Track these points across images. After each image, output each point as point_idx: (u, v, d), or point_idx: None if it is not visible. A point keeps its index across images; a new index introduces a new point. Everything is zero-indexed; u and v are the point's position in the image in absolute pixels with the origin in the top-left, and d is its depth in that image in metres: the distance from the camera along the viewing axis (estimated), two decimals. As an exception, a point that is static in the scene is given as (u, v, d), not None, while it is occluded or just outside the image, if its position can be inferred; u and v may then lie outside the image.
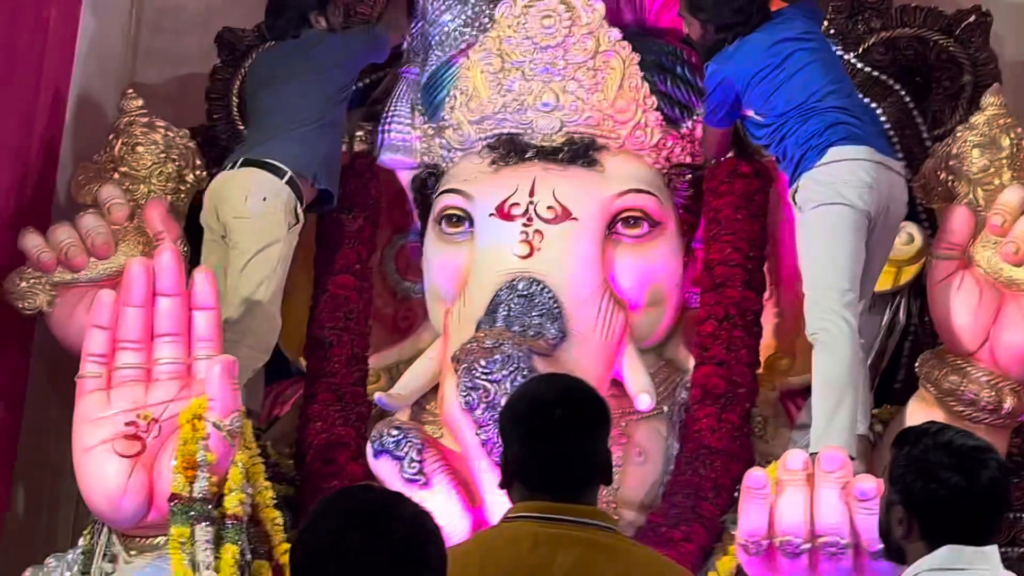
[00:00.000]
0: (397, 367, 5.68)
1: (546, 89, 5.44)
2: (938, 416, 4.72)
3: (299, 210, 5.43)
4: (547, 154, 5.40)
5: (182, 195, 5.71)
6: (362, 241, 5.70)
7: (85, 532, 4.74)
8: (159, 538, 4.51)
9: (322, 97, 5.60)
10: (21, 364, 5.82)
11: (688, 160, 5.54)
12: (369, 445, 4.95)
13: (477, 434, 4.71)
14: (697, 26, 5.35)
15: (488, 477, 4.70)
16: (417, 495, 4.50)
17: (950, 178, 5.17)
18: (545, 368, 4.74)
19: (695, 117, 5.52)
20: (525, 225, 5.22)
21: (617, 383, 5.19)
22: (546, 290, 5.08)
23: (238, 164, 5.45)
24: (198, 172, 5.75)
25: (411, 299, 5.96)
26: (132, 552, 4.58)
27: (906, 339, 5.54)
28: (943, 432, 3.34)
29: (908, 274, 5.41)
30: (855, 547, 4.25)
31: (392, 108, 5.79)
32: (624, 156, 5.43)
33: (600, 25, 5.47)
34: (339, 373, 5.46)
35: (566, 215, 5.24)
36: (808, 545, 4.27)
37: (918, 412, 4.95)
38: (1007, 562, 3.38)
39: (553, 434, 3.28)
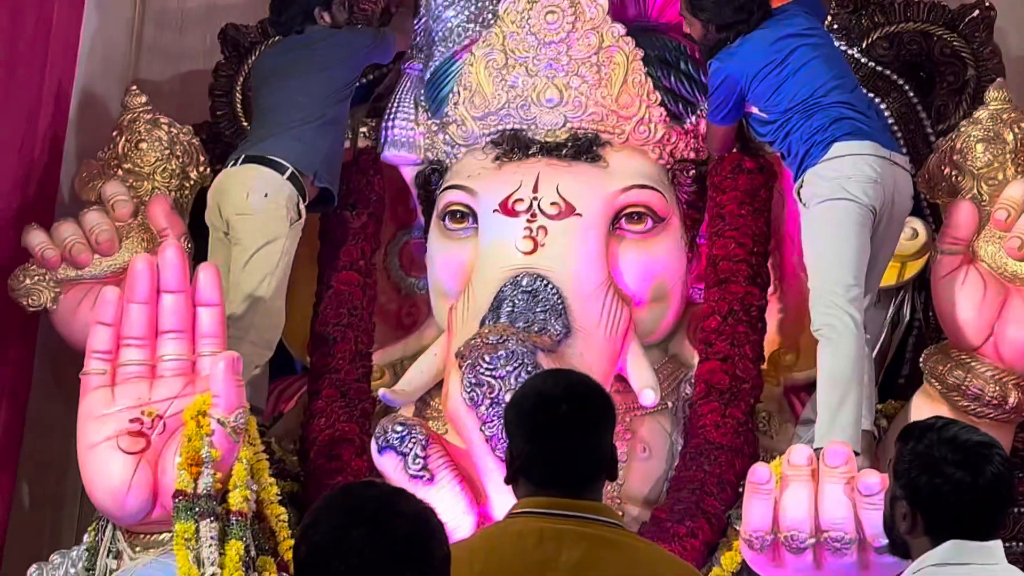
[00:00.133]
0: (401, 363, 5.69)
1: (550, 85, 5.44)
2: (942, 411, 4.73)
3: (301, 206, 5.43)
4: (551, 150, 5.40)
5: (186, 192, 5.71)
6: (366, 237, 5.70)
7: (90, 529, 4.74)
8: (164, 534, 4.52)
9: (325, 95, 5.60)
10: (25, 361, 5.82)
11: (692, 155, 5.54)
12: (373, 441, 4.95)
13: (481, 430, 4.71)
14: (699, 26, 5.35)
15: (493, 473, 4.70)
16: (421, 491, 4.52)
17: (954, 173, 5.17)
18: (549, 364, 4.74)
19: (699, 112, 5.52)
20: (529, 221, 5.22)
21: (621, 379, 5.20)
22: (550, 286, 5.08)
23: (240, 161, 5.45)
24: (202, 169, 5.75)
25: (415, 295, 5.97)
26: (137, 548, 4.59)
27: (910, 334, 5.55)
28: (948, 427, 3.34)
29: (912, 269, 5.41)
30: (859, 542, 4.25)
31: (396, 104, 5.79)
32: (628, 152, 5.43)
33: (604, 21, 5.46)
34: (343, 369, 5.46)
35: (570, 211, 5.24)
36: (813, 540, 4.28)
37: (922, 407, 4.95)
38: (1011, 557, 3.39)
39: (558, 429, 3.28)
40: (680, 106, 5.51)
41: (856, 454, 4.46)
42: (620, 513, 4.54)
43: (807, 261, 4.92)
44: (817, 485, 4.33)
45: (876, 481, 4.20)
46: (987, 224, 5.01)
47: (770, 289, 5.46)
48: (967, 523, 3.26)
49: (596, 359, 5.02)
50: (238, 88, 6.18)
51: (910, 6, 5.72)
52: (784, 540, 4.30)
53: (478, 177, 5.43)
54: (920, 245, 5.37)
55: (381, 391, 5.36)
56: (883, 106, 5.56)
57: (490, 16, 5.61)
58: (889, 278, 5.28)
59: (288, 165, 5.38)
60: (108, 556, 4.63)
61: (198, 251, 5.52)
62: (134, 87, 5.84)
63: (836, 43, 5.45)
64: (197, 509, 4.36)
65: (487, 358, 4.72)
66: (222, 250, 5.44)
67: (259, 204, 5.34)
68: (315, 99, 5.57)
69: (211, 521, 4.35)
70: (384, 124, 5.78)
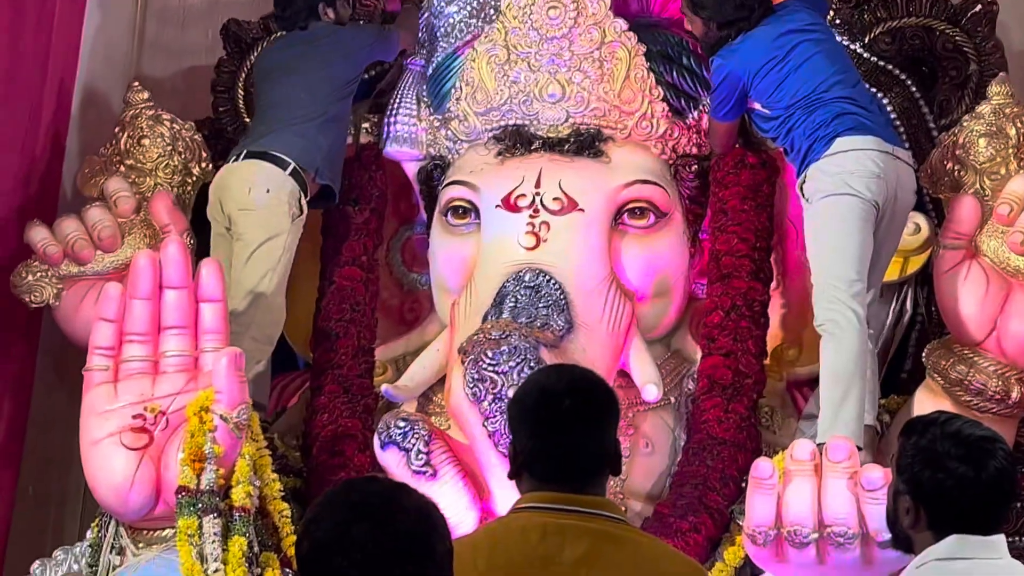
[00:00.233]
0: (404, 359, 5.69)
1: (552, 80, 5.43)
2: (945, 406, 4.71)
3: (303, 201, 5.43)
4: (553, 145, 5.40)
5: (188, 188, 5.72)
6: (368, 233, 5.71)
7: (93, 525, 4.76)
8: (167, 530, 4.52)
9: (327, 92, 5.60)
10: (28, 357, 5.82)
11: (694, 151, 5.54)
12: (376, 437, 4.95)
13: (484, 425, 4.71)
14: (700, 24, 5.35)
15: (495, 469, 4.70)
16: (424, 487, 4.51)
17: (957, 168, 5.17)
18: (552, 359, 4.74)
19: (701, 107, 5.52)
20: (531, 216, 5.22)
21: (624, 374, 5.20)
22: (552, 281, 5.08)
23: (242, 156, 5.45)
24: (204, 165, 5.75)
25: (417, 291, 5.97)
26: (140, 545, 4.59)
27: (913, 329, 5.56)
28: (951, 422, 3.34)
29: (915, 264, 5.42)
30: (862, 537, 4.25)
31: (398, 100, 5.79)
32: (630, 147, 5.43)
33: (606, 16, 5.46)
34: (346, 365, 5.47)
35: (572, 206, 5.24)
36: (816, 535, 4.28)
37: (925, 402, 4.95)
38: (1014, 551, 3.38)
39: (562, 424, 3.28)
40: (682, 101, 5.51)
41: (859, 449, 4.46)
42: (623, 508, 4.53)
43: (810, 256, 4.92)
44: (820, 480, 4.33)
45: (879, 476, 4.21)
46: (989, 219, 5.01)
47: (773, 284, 5.46)
48: (970, 518, 3.26)
49: (599, 354, 5.02)
50: (240, 84, 6.19)
51: (912, 1, 5.72)
52: (787, 535, 4.30)
53: (480, 173, 5.43)
54: (923, 240, 5.38)
55: (384, 387, 5.36)
56: (885, 101, 5.56)
57: (492, 11, 5.61)
58: (892, 273, 5.28)
59: (290, 160, 5.38)
60: (111, 552, 4.64)
61: (200, 247, 5.52)
62: (136, 83, 5.84)
63: (838, 38, 5.45)
64: (200, 505, 4.36)
65: (490, 353, 4.72)
66: (224, 246, 5.44)
67: (261, 199, 5.34)
68: (317, 97, 5.57)
69: (214, 517, 4.35)
70: (386, 120, 5.78)
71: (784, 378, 5.53)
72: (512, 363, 4.70)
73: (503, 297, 5.07)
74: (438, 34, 5.74)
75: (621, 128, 5.44)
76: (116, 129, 5.74)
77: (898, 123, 5.52)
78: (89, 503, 5.28)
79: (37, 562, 4.96)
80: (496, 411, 4.66)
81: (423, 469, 4.82)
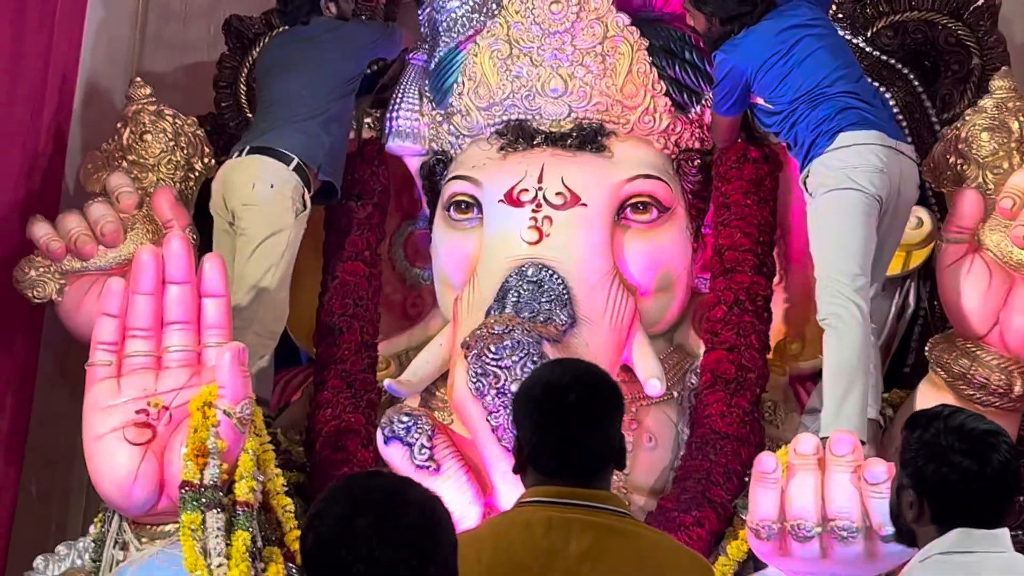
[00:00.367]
0: (406, 354, 5.68)
1: (554, 75, 5.43)
2: (948, 400, 4.72)
3: (306, 197, 5.43)
4: (556, 140, 5.40)
5: (191, 183, 5.72)
6: (371, 228, 5.71)
7: (96, 520, 4.75)
8: (170, 525, 4.52)
9: (328, 90, 5.60)
10: (31, 353, 5.82)
11: (697, 145, 5.54)
12: (379, 432, 4.95)
13: (487, 420, 4.71)
14: (702, 19, 5.35)
15: (498, 463, 4.71)
16: (427, 482, 4.48)
17: (959, 162, 5.17)
18: (555, 354, 4.74)
19: (704, 102, 5.51)
20: (534, 211, 5.22)
21: (627, 369, 5.19)
22: (555, 276, 5.08)
23: (244, 152, 5.45)
24: (207, 160, 5.75)
25: (420, 286, 5.97)
26: (143, 539, 4.59)
27: (916, 323, 5.55)
28: (954, 416, 3.34)
29: (918, 258, 5.41)
30: (866, 531, 4.26)
31: (400, 95, 5.79)
32: (633, 142, 5.43)
33: (608, 11, 5.46)
34: (349, 360, 5.46)
35: (575, 201, 5.24)
36: (819, 529, 4.29)
37: (928, 396, 4.95)
38: (1017, 544, 3.38)
39: (567, 419, 3.28)
40: (685, 96, 5.50)
41: (862, 443, 4.46)
42: (627, 503, 4.53)
43: (813, 251, 4.92)
44: (823, 474, 4.33)
45: (882, 470, 4.21)
46: (992, 212, 5.01)
47: (776, 278, 5.46)
48: (974, 511, 3.25)
49: (601, 349, 5.02)
50: (242, 79, 6.19)
51: (914, -5, 5.73)
52: (791, 529, 4.31)
53: (483, 167, 5.43)
54: (925, 234, 5.37)
55: (387, 382, 5.37)
56: (888, 95, 5.55)
57: (494, 6, 5.60)
58: (894, 267, 5.28)
59: (294, 156, 5.38)
60: (114, 547, 4.64)
61: (203, 242, 5.52)
62: (138, 79, 5.85)
63: (841, 32, 5.45)
64: (203, 500, 4.36)
65: (493, 348, 4.72)
66: (227, 241, 5.44)
67: (265, 195, 5.34)
68: (319, 94, 5.57)
69: (217, 512, 4.36)
70: (389, 115, 5.78)
71: (787, 372, 5.52)
72: (515, 358, 4.70)
73: (506, 292, 5.07)
74: (440, 29, 5.73)
75: (623, 123, 5.44)
76: (118, 125, 5.74)
77: (901, 117, 5.51)
78: (92, 499, 5.28)
79: (40, 557, 4.97)
80: (499, 406, 4.67)
81: (426, 464, 4.82)
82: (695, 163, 5.52)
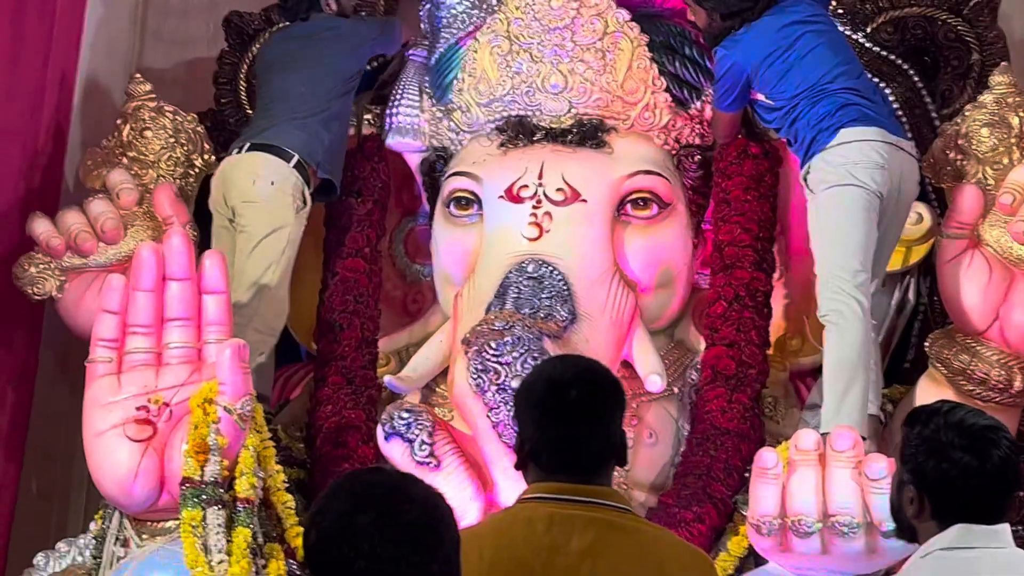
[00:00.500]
0: (407, 350, 5.68)
1: (554, 71, 5.43)
2: (948, 395, 4.72)
3: (306, 194, 5.43)
4: (556, 136, 5.40)
5: (191, 180, 5.71)
6: (371, 224, 5.70)
7: (97, 517, 4.75)
8: (171, 522, 4.51)
9: (329, 87, 5.59)
10: (31, 349, 5.81)
11: (697, 141, 5.54)
12: (380, 428, 4.96)
13: (488, 416, 4.71)
14: (703, 15, 5.35)
15: (499, 459, 4.71)
16: (428, 478, 4.44)
17: (959, 157, 5.17)
18: (555, 350, 4.74)
19: (704, 98, 5.51)
20: (534, 207, 5.22)
21: (627, 365, 5.19)
22: (555, 272, 5.08)
23: (245, 148, 5.45)
24: (207, 157, 5.74)
25: (420, 282, 5.97)
26: (144, 536, 4.59)
27: (916, 319, 5.56)
28: (954, 411, 3.34)
29: (918, 254, 5.41)
30: (867, 526, 4.26)
31: (400, 91, 5.78)
32: (633, 137, 5.43)
33: (608, 6, 5.46)
34: (349, 356, 5.46)
35: (575, 197, 5.24)
36: (820, 525, 4.29)
37: (928, 391, 4.95)
38: (1018, 540, 3.38)
39: (568, 415, 3.29)
40: (685, 92, 5.50)
41: (863, 439, 4.47)
42: (628, 499, 4.54)
43: (814, 247, 4.92)
44: (824, 470, 4.34)
45: (883, 466, 4.21)
46: (992, 208, 5.00)
47: (776, 274, 5.46)
48: (974, 507, 3.26)
49: (602, 345, 5.01)
50: (242, 76, 6.18)
51: (914, -10, 5.73)
52: (791, 525, 4.31)
53: (483, 164, 5.43)
54: (925, 230, 5.38)
55: (387, 378, 5.36)
56: (888, 91, 5.55)
57: (494, 2, 5.60)
58: (894, 263, 5.28)
59: (294, 153, 5.38)
60: (115, 544, 4.63)
61: (203, 239, 5.51)
62: (138, 75, 5.83)
63: (841, 28, 5.45)
64: (204, 496, 4.36)
65: (493, 344, 4.72)
66: (226, 238, 5.44)
67: (265, 191, 5.34)
68: (319, 92, 5.56)
69: (218, 508, 4.35)
70: (389, 111, 5.77)
71: (787, 368, 5.52)
72: (515, 354, 4.70)
73: (506, 288, 5.07)
74: (440, 25, 5.74)
75: (624, 119, 5.44)
76: (118, 121, 5.73)
77: (900, 113, 5.52)
78: (92, 495, 5.27)
79: (40, 554, 4.96)
80: (499, 402, 4.67)
81: (427, 460, 4.82)
82: (695, 159, 5.52)
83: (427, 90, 5.72)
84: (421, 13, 5.89)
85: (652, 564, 3.26)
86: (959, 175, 5.16)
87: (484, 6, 5.63)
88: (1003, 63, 5.39)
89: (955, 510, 3.26)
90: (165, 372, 4.58)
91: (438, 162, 5.67)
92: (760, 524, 4.37)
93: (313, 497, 4.69)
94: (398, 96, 5.76)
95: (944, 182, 5.27)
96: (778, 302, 5.48)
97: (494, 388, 4.69)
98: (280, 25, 6.03)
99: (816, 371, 5.16)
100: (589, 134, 5.37)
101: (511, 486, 4.48)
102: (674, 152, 5.51)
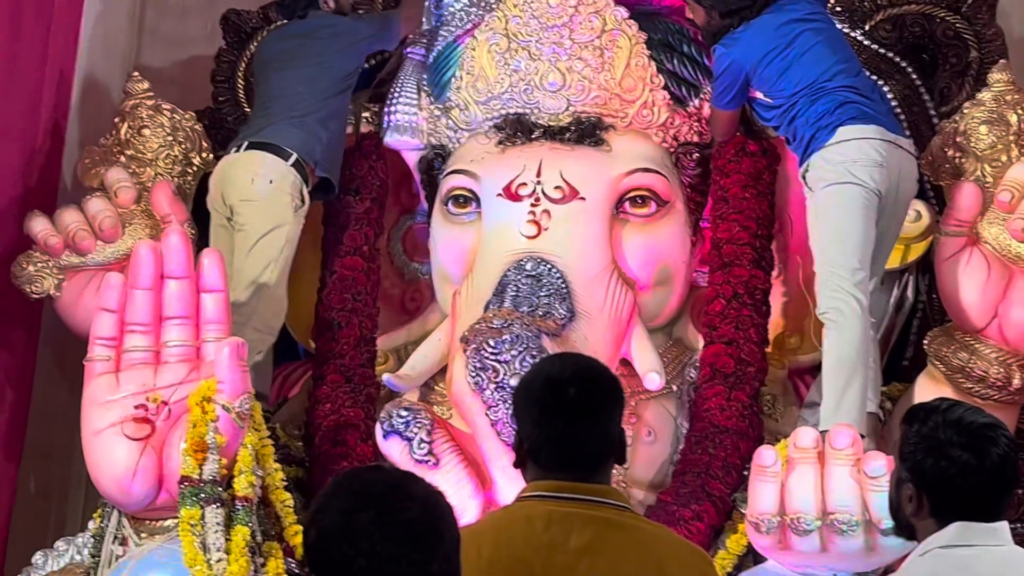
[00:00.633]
0: (405, 348, 5.68)
1: (552, 69, 5.43)
2: (947, 393, 4.73)
3: (304, 192, 5.43)
4: (554, 134, 5.40)
5: (189, 178, 5.71)
6: (369, 222, 5.70)
7: (95, 515, 4.74)
8: (169, 521, 4.50)
9: (326, 86, 5.58)
10: (29, 348, 5.81)
11: (695, 139, 5.54)
12: (378, 426, 4.96)
13: (486, 415, 4.71)
14: (702, 13, 5.36)
15: (498, 457, 4.71)
16: (427, 476, 4.46)
17: (958, 155, 5.17)
18: (554, 348, 4.74)
19: (702, 96, 5.51)
20: (533, 205, 5.22)
21: (626, 363, 5.19)
22: (554, 270, 5.08)
23: (243, 147, 5.45)
24: (205, 155, 5.74)
25: (419, 280, 5.97)
26: (142, 535, 4.58)
27: (914, 316, 5.56)
28: (953, 409, 3.33)
29: (916, 251, 5.41)
30: (866, 524, 4.26)
31: (398, 89, 5.77)
32: (631, 135, 5.43)
33: (606, 4, 5.46)
34: (347, 355, 5.46)
35: (573, 195, 5.24)
36: (819, 522, 4.29)
37: (927, 389, 4.96)
38: (1017, 537, 3.38)
39: (567, 413, 3.28)
40: (683, 89, 5.50)
41: (862, 436, 4.47)
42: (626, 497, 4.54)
43: (813, 245, 4.93)
44: (823, 468, 4.34)
45: (882, 463, 4.21)
46: (991, 206, 5.01)
47: (774, 272, 5.46)
48: (973, 505, 3.25)
49: (600, 343, 5.02)
50: (240, 74, 6.18)
51: (912, -12, 5.73)
52: (790, 523, 4.31)
53: (481, 162, 5.43)
54: (924, 227, 5.38)
55: (385, 376, 5.35)
56: (886, 89, 5.55)
57: (492, 0, 5.60)
58: (893, 261, 5.28)
59: (292, 152, 5.38)
60: (113, 543, 4.63)
61: (202, 237, 5.51)
62: (136, 73, 5.83)
63: (839, 26, 5.45)
64: (202, 495, 4.36)
65: (492, 342, 4.72)
66: (224, 236, 5.44)
67: (264, 190, 5.33)
68: (317, 91, 5.56)
69: (217, 507, 4.35)
70: (386, 109, 5.77)
71: (786, 366, 5.53)
72: (514, 352, 4.70)
73: (504, 286, 5.07)
74: (438, 23, 5.74)
75: (622, 116, 5.44)
76: (116, 119, 5.73)
77: (899, 111, 5.52)
78: (91, 494, 5.27)
79: (39, 553, 4.97)
80: (498, 400, 4.67)
81: (425, 458, 4.83)
82: (694, 157, 5.52)
83: (425, 88, 5.72)
84: (428, 3, 5.87)
85: (651, 562, 3.25)
86: (957, 173, 5.16)
87: (482, 4, 5.62)
88: (1001, 60, 5.39)
89: (954, 508, 3.26)
90: (163, 370, 4.58)
91: (436, 160, 5.67)
92: (759, 522, 4.37)
93: (312, 495, 4.72)
94: (396, 94, 5.76)
95: (943, 180, 5.27)
96: (776, 300, 5.48)
97: (493, 386, 4.69)
98: (278, 23, 6.03)
99: (815, 369, 5.17)
100: (587, 132, 5.37)
101: (510, 484, 4.48)
102: (672, 150, 5.51)
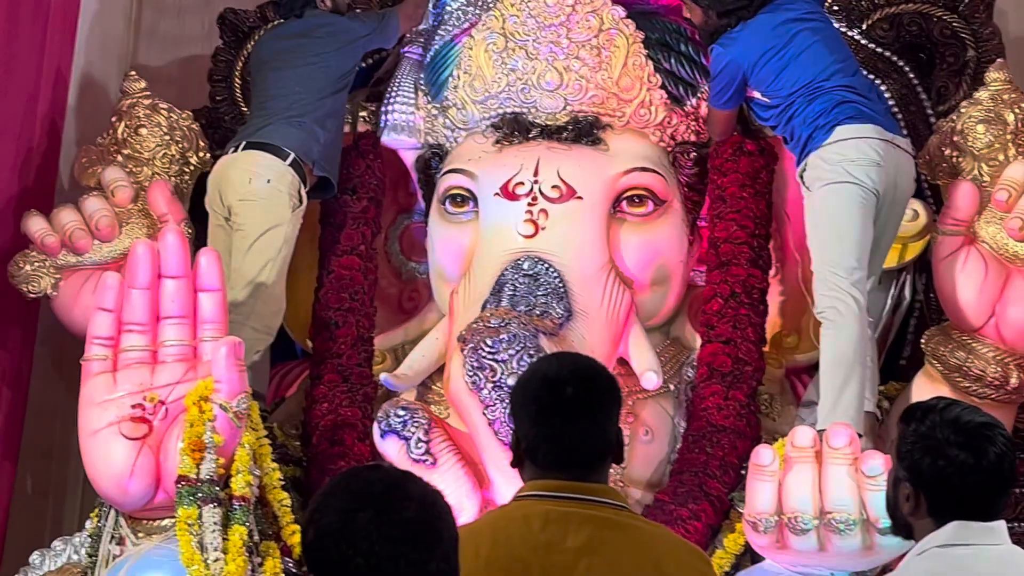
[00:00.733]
0: (403, 347, 5.68)
1: (550, 68, 5.43)
2: (944, 392, 4.73)
3: (302, 192, 5.43)
4: (551, 133, 5.40)
5: (186, 177, 5.70)
6: (367, 222, 5.69)
7: (92, 515, 4.74)
8: (166, 520, 4.51)
9: (323, 86, 5.58)
10: (26, 347, 5.80)
11: (693, 138, 5.54)
12: (376, 426, 4.96)
13: (484, 414, 4.71)
14: (699, 12, 5.37)
15: (495, 457, 4.71)
16: (424, 476, 4.47)
17: (955, 154, 5.17)
18: (551, 347, 4.74)
19: (699, 95, 5.51)
20: (530, 205, 5.22)
21: (623, 362, 5.20)
22: (551, 269, 5.08)
23: (241, 147, 5.44)
24: (202, 154, 5.74)
25: (416, 279, 5.96)
26: (139, 534, 4.59)
27: (911, 315, 5.56)
28: (950, 408, 3.33)
29: (914, 250, 5.41)
30: (863, 523, 4.26)
31: (395, 88, 5.77)
32: (628, 134, 5.43)
33: (604, 3, 5.46)
34: (345, 354, 5.46)
35: (571, 194, 5.24)
36: (816, 521, 4.29)
37: (924, 388, 4.96)
38: (1014, 536, 3.37)
39: (564, 412, 3.27)
40: (681, 88, 5.50)
41: (859, 435, 4.47)
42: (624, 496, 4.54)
43: (810, 244, 4.93)
44: (821, 467, 4.34)
45: (879, 462, 4.22)
46: (988, 205, 5.01)
47: (771, 271, 5.46)
48: (970, 504, 3.25)
49: (598, 342, 5.02)
50: (237, 73, 6.16)
51: (909, -13, 5.73)
52: (788, 522, 4.31)
53: (478, 161, 5.43)
54: (921, 226, 5.37)
55: (383, 376, 5.35)
56: (883, 88, 5.56)
57: (490, -1, 5.61)
58: (890, 260, 5.28)
59: (290, 151, 5.37)
60: (111, 542, 4.63)
61: (199, 237, 5.51)
62: (133, 72, 5.83)
63: (836, 25, 5.45)
64: (200, 494, 4.36)
65: (489, 342, 4.72)
66: (222, 236, 5.43)
67: (262, 190, 5.33)
68: (313, 91, 5.55)
69: (214, 506, 4.35)
70: (384, 108, 5.77)
71: (783, 365, 5.52)
72: (511, 351, 4.70)
73: (502, 285, 5.07)
74: (435, 22, 5.74)
75: (619, 116, 5.44)
76: (113, 118, 5.73)
77: (896, 110, 5.52)
78: (88, 494, 5.28)
79: (36, 553, 4.96)
80: (496, 399, 4.67)
81: (423, 457, 4.83)
82: (691, 156, 5.52)
83: (422, 87, 5.72)
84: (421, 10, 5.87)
85: (648, 561, 3.25)
86: (955, 172, 5.17)
87: (480, 3, 5.63)
88: (998, 60, 5.40)
89: (951, 507, 3.25)
90: (161, 370, 4.58)
91: (433, 159, 5.67)
92: (757, 521, 4.38)
93: (309, 495, 4.72)
94: (393, 93, 5.76)
95: (940, 179, 5.28)
96: (774, 299, 5.49)
97: (490, 385, 4.69)
98: (275, 22, 6.02)
99: (812, 368, 5.17)
100: (585, 131, 5.37)
101: (507, 483, 4.48)
102: (670, 149, 5.51)
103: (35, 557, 4.95)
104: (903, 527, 3.39)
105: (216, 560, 4.30)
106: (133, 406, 4.50)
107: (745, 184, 5.39)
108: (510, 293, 5.02)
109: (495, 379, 4.68)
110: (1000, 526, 3.27)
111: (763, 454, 4.40)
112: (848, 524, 4.25)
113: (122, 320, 4.59)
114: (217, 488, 4.38)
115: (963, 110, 5.21)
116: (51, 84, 5.90)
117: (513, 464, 3.38)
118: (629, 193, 5.32)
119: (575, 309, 5.03)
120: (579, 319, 5.03)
